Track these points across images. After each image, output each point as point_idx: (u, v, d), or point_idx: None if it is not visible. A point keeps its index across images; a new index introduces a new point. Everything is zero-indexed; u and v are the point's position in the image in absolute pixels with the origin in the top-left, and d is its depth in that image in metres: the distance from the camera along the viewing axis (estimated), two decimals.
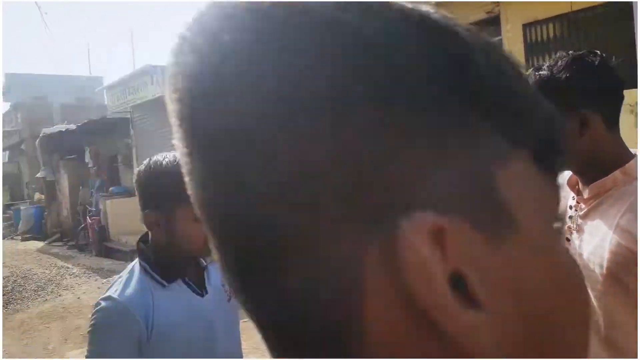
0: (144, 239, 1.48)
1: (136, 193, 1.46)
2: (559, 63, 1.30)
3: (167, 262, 1.41)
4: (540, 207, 0.27)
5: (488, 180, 0.25)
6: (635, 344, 1.34)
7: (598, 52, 1.32)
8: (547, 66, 1.32)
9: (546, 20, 5.99)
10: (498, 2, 6.41)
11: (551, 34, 6.00)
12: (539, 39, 6.11)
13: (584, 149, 1.33)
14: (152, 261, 1.41)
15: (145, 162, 1.43)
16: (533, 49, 6.16)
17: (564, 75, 1.27)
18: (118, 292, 1.34)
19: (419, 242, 0.23)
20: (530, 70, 1.36)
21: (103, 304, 1.33)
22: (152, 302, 1.33)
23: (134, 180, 1.47)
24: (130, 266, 1.45)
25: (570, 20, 5.79)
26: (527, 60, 6.20)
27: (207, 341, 1.40)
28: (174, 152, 1.40)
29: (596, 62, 1.30)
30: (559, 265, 0.27)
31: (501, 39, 6.47)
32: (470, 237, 0.24)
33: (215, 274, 1.50)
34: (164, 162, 1.39)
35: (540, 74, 1.31)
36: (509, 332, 0.24)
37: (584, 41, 5.73)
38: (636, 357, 1.26)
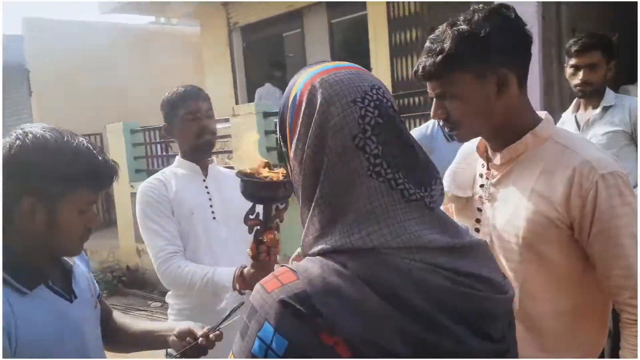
0: None
1: None
2: (476, 17, 1.19)
3: (28, 263, 1.19)
4: None
5: None
6: (549, 313, 1.31)
7: (510, 5, 1.23)
8: (464, 20, 1.20)
9: None
10: None
11: (412, 9, 6.15)
12: (402, 14, 6.24)
13: (499, 112, 1.24)
14: (6, 263, 1.15)
15: (16, 134, 1.16)
16: (396, 23, 6.28)
17: (482, 31, 1.16)
18: None
19: None
20: (444, 26, 1.24)
21: None
22: (13, 312, 1.11)
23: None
24: None
25: None
26: (390, 35, 6.33)
27: (79, 352, 1.24)
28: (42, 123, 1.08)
29: (512, 17, 1.21)
30: None
31: (366, 14, 6.53)
32: None
33: (81, 276, 1.34)
34: (48, 136, 1.16)
35: (458, 30, 1.19)
36: None
37: (442, 17, 5.95)
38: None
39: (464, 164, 1.46)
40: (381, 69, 6.44)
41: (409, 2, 6.13)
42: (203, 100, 2.04)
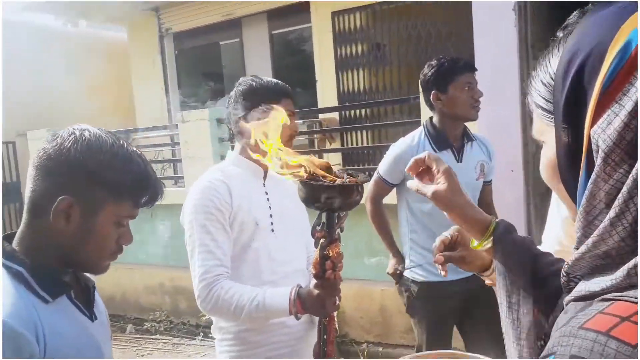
0: (8, 237, 1.11)
1: (36, 167, 1.07)
2: None
3: (53, 269, 1.07)
4: None
5: None
6: None
7: None
8: None
9: (354, 10, 6.12)
10: None
11: (358, 23, 6.16)
12: (347, 28, 6.22)
13: None
14: (30, 265, 1.05)
15: (71, 130, 1.08)
16: (341, 36, 6.25)
17: None
18: None
19: None
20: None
21: None
22: (40, 320, 1.01)
23: (44, 152, 1.06)
24: None
25: (376, 10, 6.00)
26: (335, 48, 6.29)
27: None
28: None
29: None
30: None
31: (310, 27, 6.45)
32: None
33: (100, 300, 1.24)
34: (105, 138, 1.08)
35: None
36: None
37: (387, 32, 6.01)
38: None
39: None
40: (326, 82, 6.38)
41: (354, 16, 6.13)
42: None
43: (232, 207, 1.69)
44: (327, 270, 1.35)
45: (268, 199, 1.79)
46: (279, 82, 1.81)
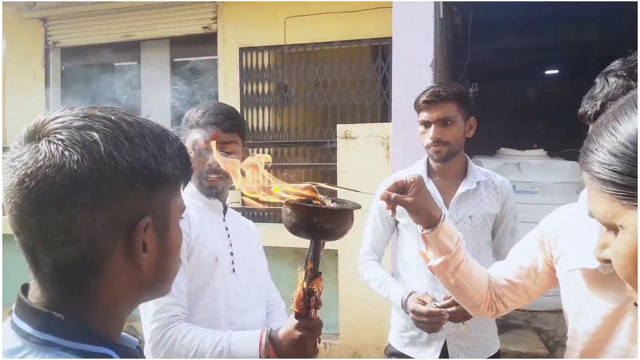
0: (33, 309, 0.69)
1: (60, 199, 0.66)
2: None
3: (132, 341, 0.77)
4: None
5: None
6: None
7: None
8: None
9: (262, 48, 6.09)
10: (216, 18, 6.22)
11: (266, 62, 6.12)
12: (254, 65, 6.15)
13: None
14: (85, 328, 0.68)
15: (96, 116, 0.69)
16: (248, 74, 6.16)
17: None
18: None
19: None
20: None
21: None
22: None
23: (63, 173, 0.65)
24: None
25: (284, 51, 6.01)
26: (241, 85, 6.17)
27: None
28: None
29: None
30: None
31: (217, 59, 6.29)
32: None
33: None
34: (140, 120, 0.73)
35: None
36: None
37: (295, 73, 6.04)
38: None
39: (581, 233, 1.26)
40: None
41: (262, 54, 6.09)
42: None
43: (190, 237, 1.50)
44: (310, 308, 1.19)
45: (229, 235, 1.62)
46: (217, 109, 1.61)
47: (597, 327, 1.19)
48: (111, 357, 0.67)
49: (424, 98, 2.07)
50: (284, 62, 6.09)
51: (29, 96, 6.96)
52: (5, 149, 5.33)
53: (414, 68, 3.74)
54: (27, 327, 0.66)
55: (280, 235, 3.66)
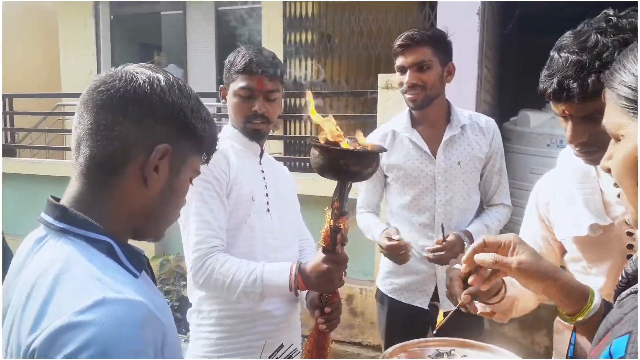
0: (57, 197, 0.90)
1: (108, 110, 0.86)
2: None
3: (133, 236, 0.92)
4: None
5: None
6: None
7: None
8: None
9: None
10: None
11: (309, 11, 6.06)
12: (298, 14, 6.11)
13: None
14: (112, 231, 0.86)
15: (147, 73, 0.89)
16: (292, 22, 6.13)
17: None
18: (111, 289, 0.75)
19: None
20: (591, 34, 1.11)
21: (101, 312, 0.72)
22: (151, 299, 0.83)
23: (116, 92, 0.86)
24: (51, 250, 0.81)
25: (328, 2, 5.93)
26: (284, 34, 6.16)
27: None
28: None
29: None
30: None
31: (260, 8, 6.28)
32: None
33: None
34: (187, 85, 0.94)
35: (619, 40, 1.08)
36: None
37: (339, 22, 5.97)
38: None
39: (589, 189, 1.31)
40: None
41: (306, 3, 6.03)
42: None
43: (229, 177, 1.59)
44: (336, 244, 1.27)
45: (264, 178, 1.71)
46: (261, 57, 1.65)
47: (604, 283, 1.26)
48: (111, 245, 0.84)
49: (398, 42, 2.04)
50: (327, 10, 6.02)
51: (80, 45, 7.18)
52: (55, 96, 5.54)
53: (461, 16, 3.65)
54: (49, 218, 0.85)
55: (316, 184, 3.75)
